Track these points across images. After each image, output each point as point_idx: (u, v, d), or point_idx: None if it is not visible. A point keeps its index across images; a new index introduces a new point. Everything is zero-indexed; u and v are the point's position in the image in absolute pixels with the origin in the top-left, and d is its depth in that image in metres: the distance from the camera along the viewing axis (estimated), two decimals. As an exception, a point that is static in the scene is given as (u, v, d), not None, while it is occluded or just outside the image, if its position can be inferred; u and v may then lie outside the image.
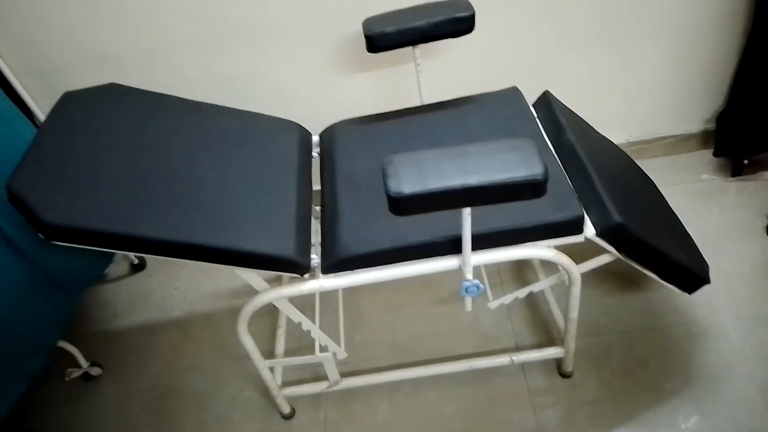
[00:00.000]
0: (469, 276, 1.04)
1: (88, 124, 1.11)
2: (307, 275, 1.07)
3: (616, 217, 1.03)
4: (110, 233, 0.94)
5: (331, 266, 1.06)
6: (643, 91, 1.71)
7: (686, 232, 1.33)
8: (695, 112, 1.78)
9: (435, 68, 1.59)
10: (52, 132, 1.07)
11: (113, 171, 1.03)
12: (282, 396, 1.34)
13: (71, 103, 1.15)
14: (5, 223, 1.18)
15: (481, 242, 1.04)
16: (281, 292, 1.07)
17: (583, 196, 1.10)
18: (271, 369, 1.30)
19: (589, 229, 1.07)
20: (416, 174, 0.85)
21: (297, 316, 1.17)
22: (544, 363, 1.40)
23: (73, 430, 1.46)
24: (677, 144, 1.84)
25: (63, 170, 0.99)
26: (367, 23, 1.24)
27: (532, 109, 1.33)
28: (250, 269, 1.04)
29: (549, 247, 1.07)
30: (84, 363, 1.50)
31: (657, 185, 1.43)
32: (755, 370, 1.31)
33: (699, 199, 1.72)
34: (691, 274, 1.17)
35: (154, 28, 1.45)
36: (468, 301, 1.11)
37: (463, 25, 1.21)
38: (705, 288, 1.23)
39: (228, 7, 1.43)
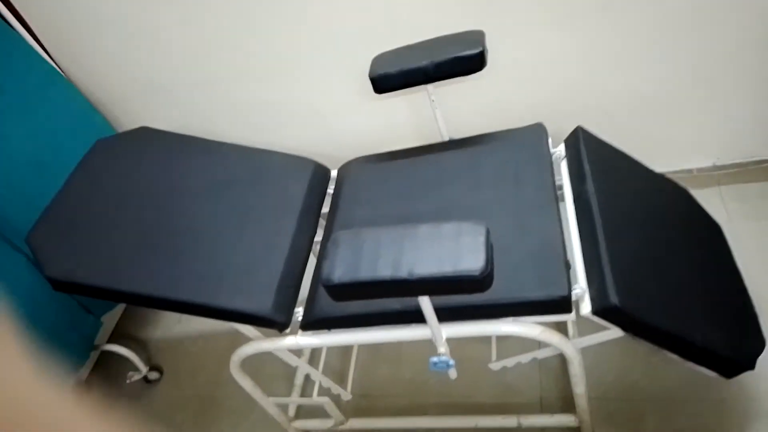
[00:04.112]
0: (442, 349, 0.98)
1: (111, 174, 1.22)
2: (288, 330, 1.08)
3: (613, 299, 0.90)
4: (102, 288, 1.03)
5: (308, 324, 1.06)
6: (730, 105, 1.44)
7: (743, 298, 1.12)
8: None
9: (465, 94, 1.48)
10: (76, 183, 1.19)
11: (120, 226, 1.12)
12: (293, 428, 1.39)
13: (101, 150, 1.26)
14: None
15: (453, 314, 0.97)
16: (261, 346, 1.10)
17: (588, 265, 0.98)
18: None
19: (586, 306, 0.95)
20: (352, 259, 0.81)
21: (294, 360, 1.19)
22: (563, 427, 1.28)
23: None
24: (780, 169, 1.54)
25: (75, 225, 1.11)
26: (374, 63, 1.19)
27: (562, 148, 1.20)
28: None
29: (535, 323, 0.97)
30: (143, 367, 1.68)
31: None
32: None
33: (801, 240, 1.43)
34: (722, 359, 0.99)
35: (203, 62, 1.53)
36: (451, 371, 1.04)
37: (470, 64, 1.11)
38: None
39: (270, 41, 1.46)
